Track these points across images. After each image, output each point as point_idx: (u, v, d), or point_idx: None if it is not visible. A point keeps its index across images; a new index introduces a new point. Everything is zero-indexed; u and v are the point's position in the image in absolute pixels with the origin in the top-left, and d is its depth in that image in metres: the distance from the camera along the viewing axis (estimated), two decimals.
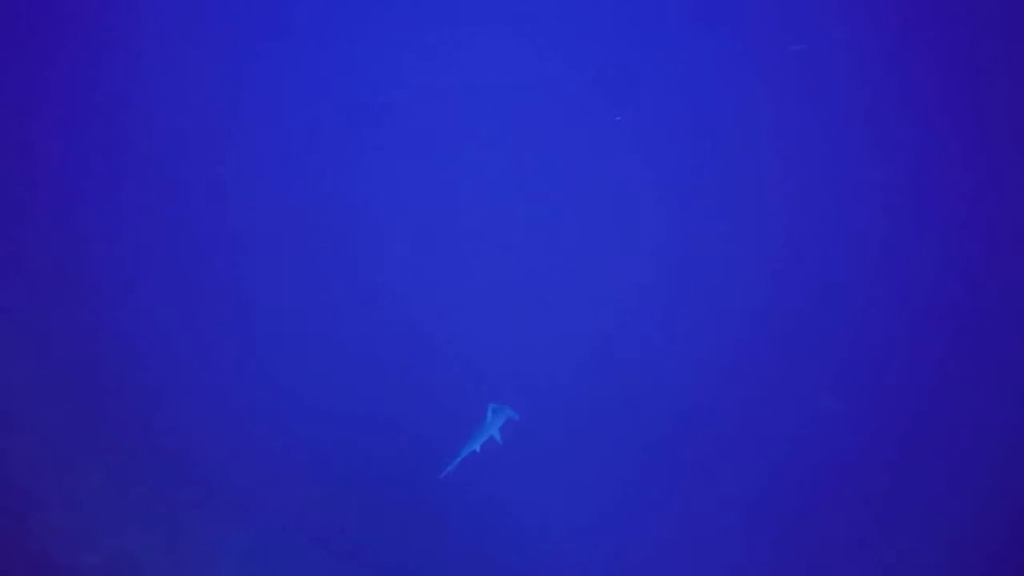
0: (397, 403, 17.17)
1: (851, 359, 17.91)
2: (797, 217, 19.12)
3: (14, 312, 16.61)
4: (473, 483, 15.10)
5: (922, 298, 18.19)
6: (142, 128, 19.41)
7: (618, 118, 19.71)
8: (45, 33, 19.44)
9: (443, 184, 19.94)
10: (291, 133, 20.31)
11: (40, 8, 19.39)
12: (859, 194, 18.94)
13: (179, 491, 14.97)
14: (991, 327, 17.70)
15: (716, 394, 17.80)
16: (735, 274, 18.87)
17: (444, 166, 20.13)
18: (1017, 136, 18.28)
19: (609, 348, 18.29)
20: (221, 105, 20.00)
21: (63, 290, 17.24)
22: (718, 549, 16.31)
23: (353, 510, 15.71)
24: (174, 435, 15.59)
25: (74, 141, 19.06)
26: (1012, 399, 16.99)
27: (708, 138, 19.73)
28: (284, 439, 16.21)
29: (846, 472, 16.99)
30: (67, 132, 19.11)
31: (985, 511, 16.17)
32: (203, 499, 15.00)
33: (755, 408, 17.68)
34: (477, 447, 13.78)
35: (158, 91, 19.73)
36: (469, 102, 20.49)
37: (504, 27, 20.76)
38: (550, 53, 20.56)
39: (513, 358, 17.97)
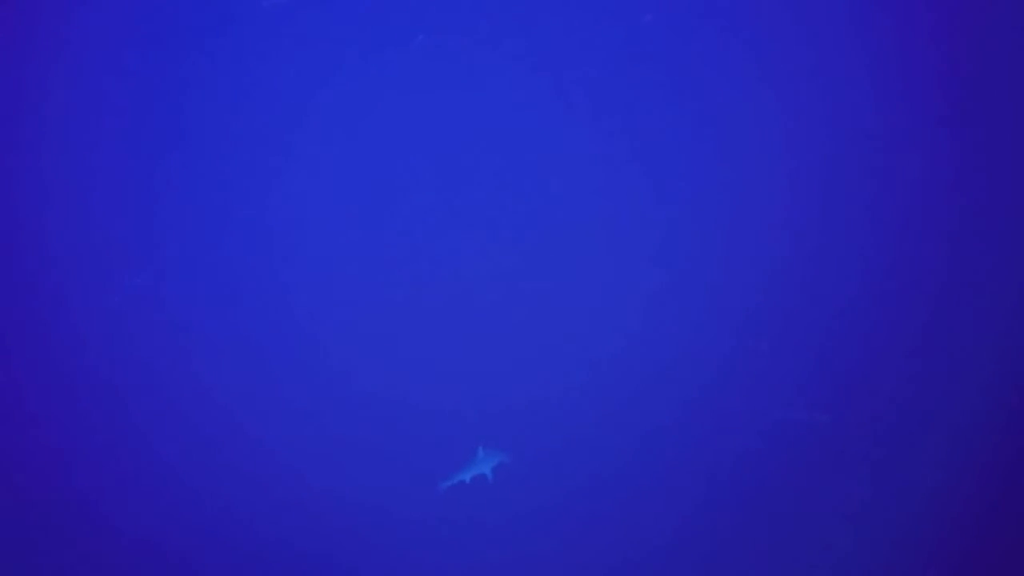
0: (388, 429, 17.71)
1: (838, 367, 17.78)
2: (792, 216, 18.90)
3: None
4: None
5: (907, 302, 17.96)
6: None
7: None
8: None
9: (436, 189, 19.83)
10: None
11: None
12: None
13: None
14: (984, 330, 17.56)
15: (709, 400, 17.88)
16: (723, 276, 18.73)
17: (437, 169, 19.96)
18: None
19: (598, 355, 18.36)
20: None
21: None
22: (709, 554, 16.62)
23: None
24: None
25: None
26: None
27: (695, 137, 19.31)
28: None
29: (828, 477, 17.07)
30: None
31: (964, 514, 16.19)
32: None
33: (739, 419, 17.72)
34: (467, 478, 15.42)
35: None
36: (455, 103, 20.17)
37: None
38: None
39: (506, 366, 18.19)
